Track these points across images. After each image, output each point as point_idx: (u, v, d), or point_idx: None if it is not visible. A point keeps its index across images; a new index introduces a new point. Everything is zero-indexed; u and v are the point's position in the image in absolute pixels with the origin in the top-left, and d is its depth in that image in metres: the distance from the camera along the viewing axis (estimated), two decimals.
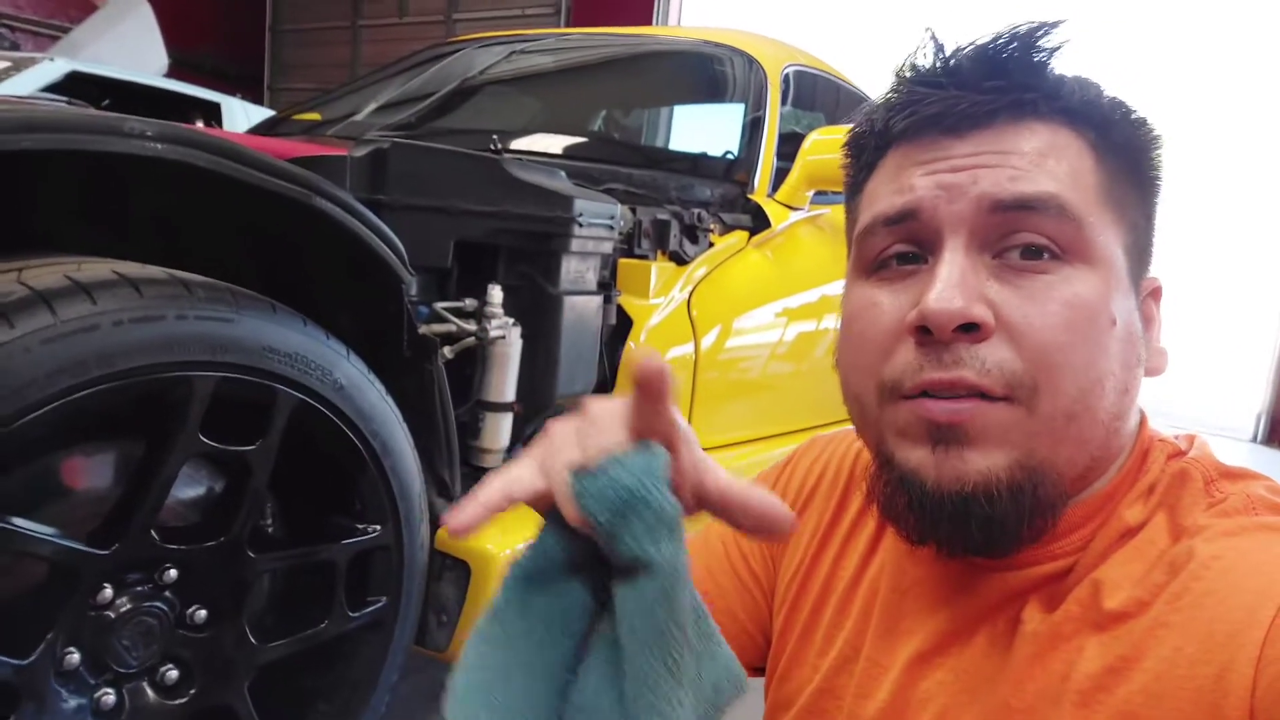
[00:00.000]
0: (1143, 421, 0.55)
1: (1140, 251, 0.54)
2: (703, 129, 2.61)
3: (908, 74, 0.54)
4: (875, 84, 2.94)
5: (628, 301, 1.68)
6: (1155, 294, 0.56)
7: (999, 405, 0.48)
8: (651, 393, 0.42)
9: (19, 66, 3.46)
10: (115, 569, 0.90)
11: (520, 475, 0.45)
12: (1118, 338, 0.50)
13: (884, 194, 0.54)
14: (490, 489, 0.44)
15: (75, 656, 0.88)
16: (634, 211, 1.72)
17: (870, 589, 0.61)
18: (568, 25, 6.48)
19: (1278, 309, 4.75)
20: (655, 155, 2.49)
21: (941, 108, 0.51)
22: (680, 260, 1.80)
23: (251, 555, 0.99)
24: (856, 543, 0.64)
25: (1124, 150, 0.53)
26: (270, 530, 1.08)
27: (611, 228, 1.54)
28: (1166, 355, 0.56)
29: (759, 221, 2.02)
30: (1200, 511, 0.50)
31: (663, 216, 1.78)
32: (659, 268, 1.74)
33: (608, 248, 1.56)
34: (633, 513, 0.40)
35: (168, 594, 0.95)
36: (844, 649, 0.60)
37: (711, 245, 1.89)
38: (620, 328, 1.68)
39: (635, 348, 1.67)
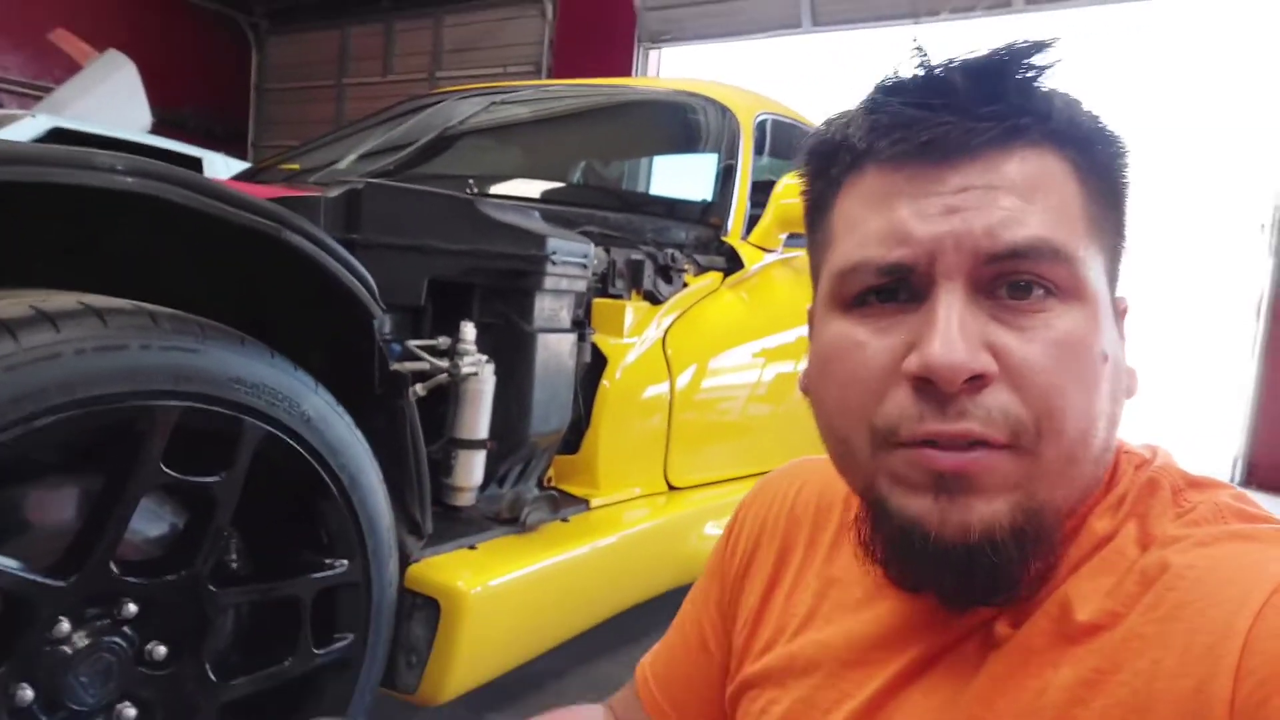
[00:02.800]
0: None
1: (1114, 275, 0.54)
2: (678, 175, 2.66)
3: (890, 87, 0.51)
4: None
5: (602, 340, 1.69)
6: (1122, 313, 0.55)
7: (1003, 453, 0.47)
8: None
9: (1, 122, 3.48)
10: (73, 602, 0.89)
11: None
12: (1108, 373, 0.49)
13: (869, 227, 0.51)
14: None
15: (29, 693, 0.86)
16: (608, 251, 1.74)
17: (829, 621, 0.60)
18: None
19: (1252, 354, 4.81)
20: (631, 199, 2.53)
21: (933, 135, 0.48)
22: (655, 300, 1.82)
23: (213, 590, 0.98)
24: (807, 579, 0.64)
25: (1103, 170, 0.52)
26: (234, 565, 1.06)
27: (585, 266, 1.55)
28: (1137, 375, 0.55)
29: (733, 263, 2.05)
30: (1170, 521, 0.50)
31: (637, 257, 1.80)
32: (633, 307, 1.76)
33: (581, 286, 1.57)
34: None
35: (126, 629, 0.93)
36: (813, 683, 0.59)
37: (686, 285, 1.91)
38: (595, 366, 1.69)
39: (608, 385, 1.68)
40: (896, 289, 0.50)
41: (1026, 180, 0.49)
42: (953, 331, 0.47)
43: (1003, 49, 0.49)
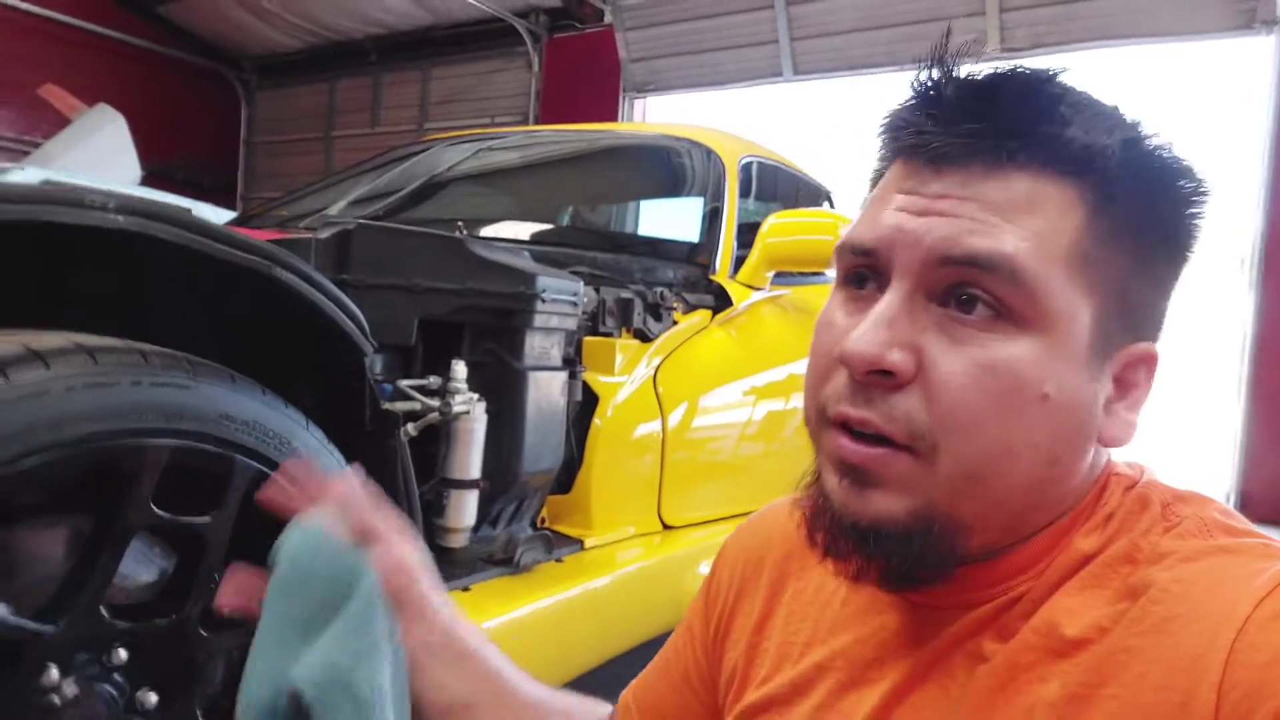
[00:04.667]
0: (1107, 460, 0.55)
1: (1126, 317, 0.51)
2: (666, 217, 2.68)
3: (909, 92, 0.53)
4: (834, 178, 3.04)
5: (593, 378, 1.69)
6: (1148, 361, 0.53)
7: (902, 455, 0.49)
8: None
9: None
10: (62, 648, 0.87)
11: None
12: (1048, 410, 0.48)
13: (867, 214, 0.54)
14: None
15: None
16: (598, 290, 1.75)
17: (826, 644, 0.60)
18: None
19: (1238, 389, 4.85)
20: (620, 240, 2.55)
21: (918, 140, 0.51)
22: (645, 338, 1.83)
23: (205, 634, 0.96)
24: (803, 605, 0.64)
25: (1132, 203, 0.49)
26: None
27: (575, 304, 1.56)
28: (1134, 427, 0.53)
29: (721, 301, 2.06)
30: (1157, 535, 0.50)
31: (626, 295, 1.81)
32: (623, 345, 1.76)
33: (572, 324, 1.58)
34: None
35: (117, 676, 0.91)
36: (815, 704, 0.59)
37: (676, 323, 1.92)
38: (587, 405, 1.69)
39: (600, 424, 1.67)
40: (872, 275, 0.53)
41: (1009, 202, 0.48)
42: (875, 324, 0.49)
43: (1003, 72, 0.50)
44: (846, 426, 0.51)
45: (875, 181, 0.57)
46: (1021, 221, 0.48)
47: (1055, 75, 0.50)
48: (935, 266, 0.49)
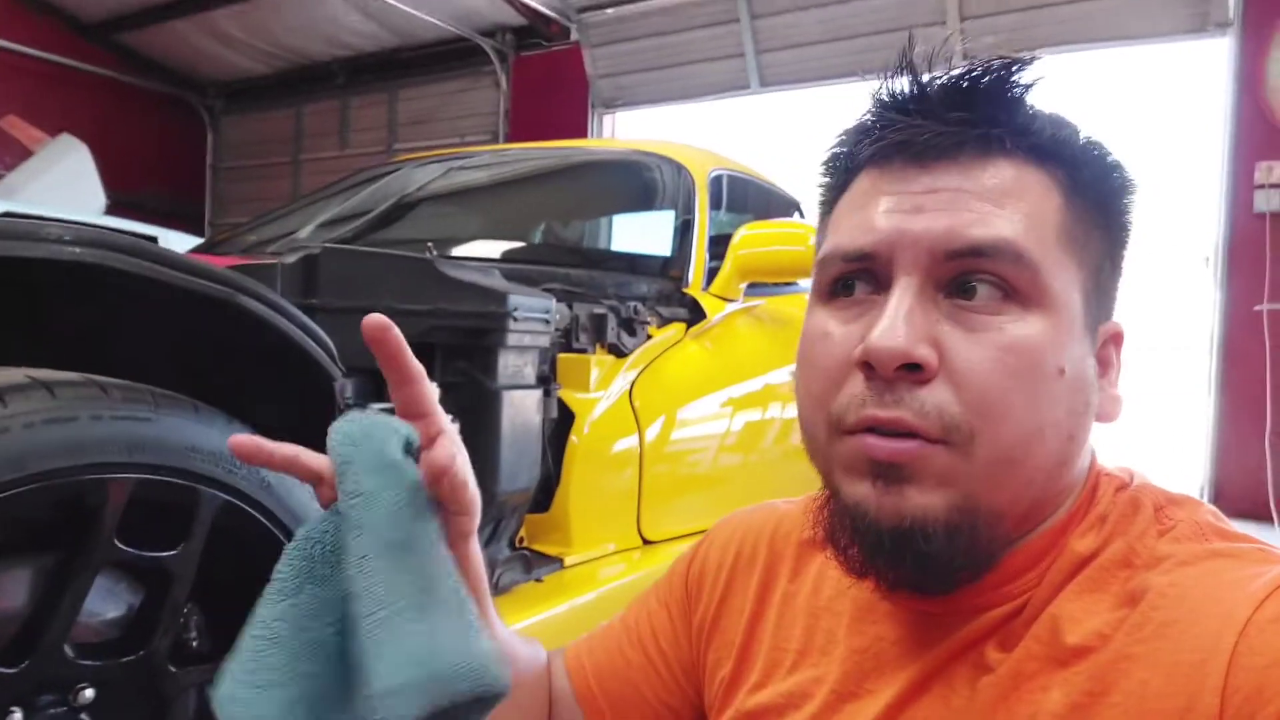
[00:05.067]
0: (1093, 458, 0.56)
1: (1101, 295, 0.54)
2: (637, 231, 2.68)
3: (884, 98, 0.54)
4: (803, 188, 3.06)
5: (568, 395, 1.68)
6: (1116, 339, 0.56)
7: (938, 448, 0.48)
8: (384, 348, 0.51)
9: None
10: (25, 690, 0.84)
11: (312, 453, 0.53)
12: (1065, 386, 0.50)
13: (847, 224, 0.54)
14: (281, 445, 0.52)
15: None
16: (570, 306, 1.74)
17: (823, 654, 0.60)
18: None
19: (1208, 383, 4.91)
20: (592, 256, 2.55)
21: (907, 136, 0.51)
22: (619, 353, 1.82)
23: (173, 670, 0.94)
24: (794, 612, 0.64)
25: (1093, 190, 0.53)
26: (194, 642, 1.02)
27: (548, 322, 1.55)
28: (1121, 402, 0.56)
29: (695, 314, 2.06)
30: (1153, 539, 0.51)
31: (600, 310, 1.80)
32: (598, 361, 1.76)
33: (545, 341, 1.57)
34: (364, 446, 0.49)
35: (84, 716, 0.89)
36: (811, 716, 0.59)
37: (650, 338, 1.91)
38: (562, 422, 1.68)
39: (576, 441, 1.66)
40: (865, 280, 0.53)
41: (999, 188, 0.50)
42: (897, 319, 0.49)
43: (977, 65, 0.52)
44: (871, 430, 0.50)
45: (833, 199, 0.58)
46: (1013, 206, 0.50)
47: (1024, 68, 0.52)
48: (942, 260, 0.50)
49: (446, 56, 7.12)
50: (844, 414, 0.51)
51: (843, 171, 0.57)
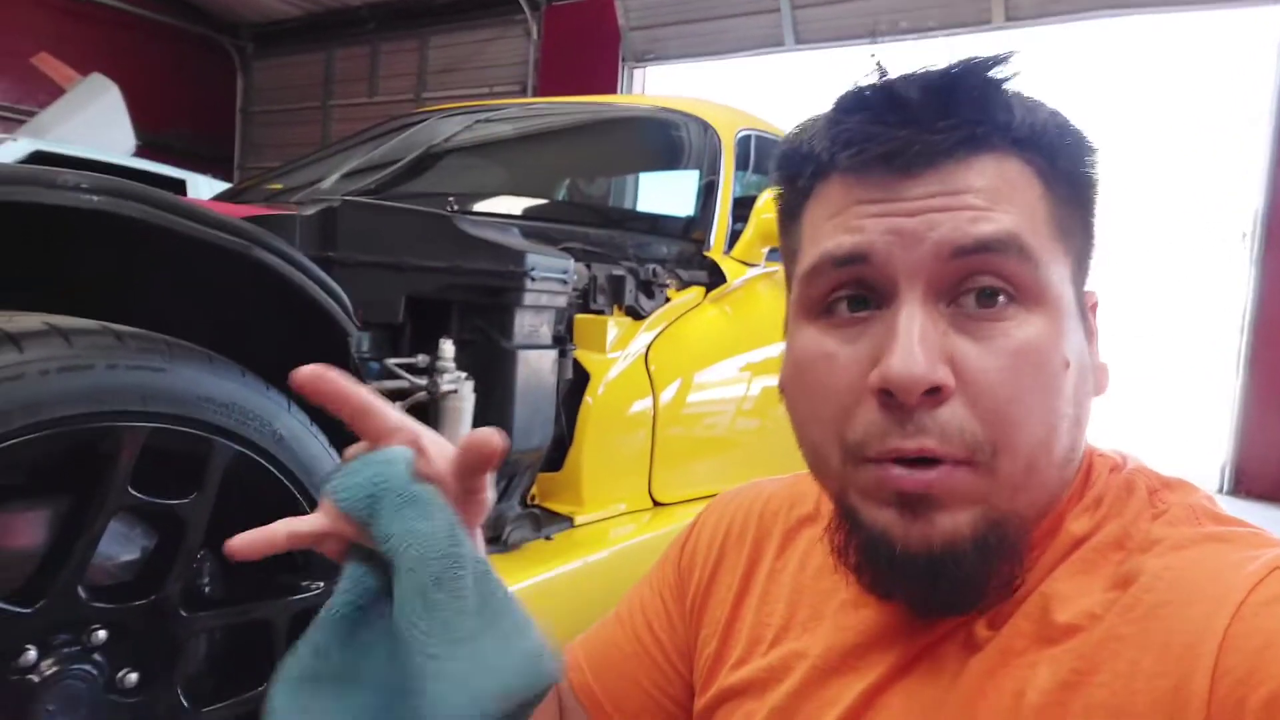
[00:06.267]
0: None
1: (1082, 273, 0.54)
2: (660, 191, 2.66)
3: (849, 104, 0.52)
4: None
5: (584, 356, 1.68)
6: (1094, 307, 0.56)
7: (962, 469, 0.48)
8: (324, 395, 0.49)
9: None
10: (40, 629, 0.87)
11: (304, 518, 0.50)
12: (1071, 377, 0.50)
13: (828, 230, 0.52)
14: (274, 526, 0.49)
15: None
16: (589, 267, 1.74)
17: (805, 630, 0.60)
18: None
19: (1237, 363, 4.84)
20: (613, 215, 2.53)
21: (892, 148, 0.49)
22: (637, 315, 1.81)
23: (185, 614, 0.96)
24: (779, 589, 0.64)
25: (1069, 174, 0.52)
26: (206, 588, 1.04)
27: (565, 282, 1.55)
28: (1107, 370, 0.55)
29: (715, 277, 2.04)
30: (1146, 522, 0.50)
31: (618, 272, 1.80)
32: (615, 322, 1.75)
33: (561, 302, 1.57)
34: (382, 497, 0.48)
35: (96, 656, 0.91)
36: (792, 692, 0.58)
37: (668, 300, 1.91)
38: (578, 382, 1.68)
39: (591, 401, 1.67)
40: (864, 297, 0.51)
41: (990, 185, 0.49)
42: (913, 343, 0.47)
43: (956, 64, 0.50)
44: (894, 461, 0.48)
45: (798, 205, 0.55)
46: (1006, 202, 0.49)
47: (1000, 61, 0.50)
48: (947, 260, 0.48)
49: (478, 4, 7.05)
50: (863, 443, 0.49)
51: (809, 175, 0.54)
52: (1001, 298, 0.49)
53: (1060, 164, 0.52)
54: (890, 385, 0.47)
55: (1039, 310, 0.49)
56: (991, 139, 0.50)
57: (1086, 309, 0.54)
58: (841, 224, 0.51)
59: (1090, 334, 0.55)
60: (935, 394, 0.47)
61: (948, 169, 0.49)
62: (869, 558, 0.51)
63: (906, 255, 0.48)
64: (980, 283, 0.48)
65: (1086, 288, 0.55)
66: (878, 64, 0.51)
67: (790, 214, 0.56)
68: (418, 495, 0.48)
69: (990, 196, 0.49)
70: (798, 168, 0.54)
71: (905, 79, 0.50)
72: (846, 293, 0.51)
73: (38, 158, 3.51)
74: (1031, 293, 0.49)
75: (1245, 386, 4.82)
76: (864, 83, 0.51)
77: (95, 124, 4.98)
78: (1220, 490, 4.79)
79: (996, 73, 0.50)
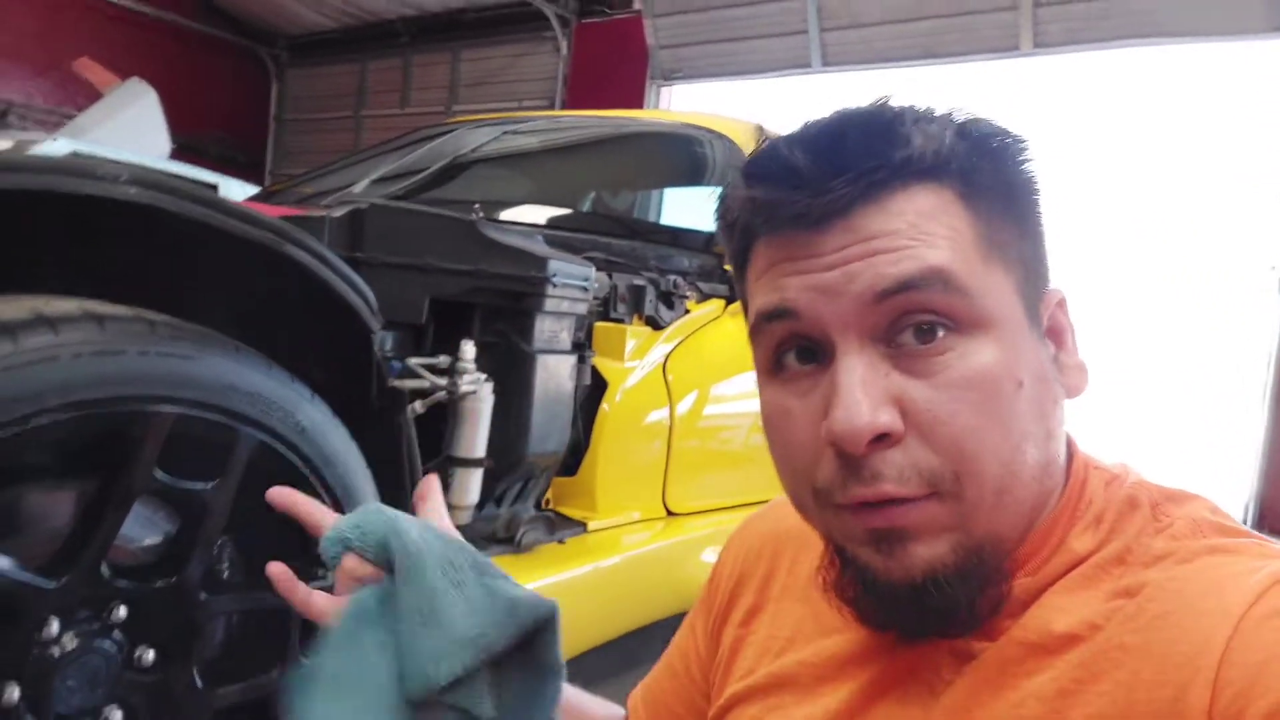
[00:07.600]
0: (1071, 446, 0.55)
1: (1035, 278, 0.53)
2: (683, 205, 2.68)
3: (754, 172, 0.52)
4: None
5: (603, 363, 1.70)
6: (1060, 304, 0.55)
7: (928, 502, 0.48)
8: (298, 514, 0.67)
9: (20, 146, 3.54)
10: (63, 603, 0.89)
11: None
12: (1028, 395, 0.49)
13: (759, 290, 0.53)
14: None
15: (15, 693, 0.86)
16: (610, 276, 1.76)
17: (809, 641, 0.61)
18: None
19: (1262, 396, 4.78)
20: (636, 227, 2.55)
21: (796, 210, 0.49)
22: (656, 325, 1.83)
23: (204, 596, 0.98)
24: (791, 602, 0.65)
25: (993, 189, 0.51)
26: (226, 572, 1.07)
27: (586, 289, 1.57)
28: (1086, 369, 0.55)
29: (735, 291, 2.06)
30: (1149, 537, 0.50)
31: (639, 282, 1.82)
32: (634, 332, 1.77)
33: (582, 309, 1.59)
34: (394, 530, 0.60)
35: (116, 633, 0.94)
36: (790, 697, 0.60)
37: (688, 312, 1.92)
38: (596, 389, 1.70)
39: (608, 409, 1.69)
40: (809, 348, 0.51)
41: (906, 224, 0.49)
42: (853, 395, 0.47)
43: (834, 119, 0.51)
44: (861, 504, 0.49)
45: (740, 266, 0.56)
46: (925, 235, 0.49)
47: (884, 102, 0.51)
48: (873, 305, 0.48)
49: (509, 20, 7.12)
50: (829, 492, 0.50)
51: (738, 241, 0.55)
52: (940, 330, 0.48)
53: (980, 180, 0.51)
54: (835, 440, 0.48)
55: (981, 335, 0.49)
56: (894, 179, 0.49)
57: (1046, 313, 0.54)
58: (768, 284, 0.52)
59: (1060, 333, 0.54)
60: (884, 439, 0.47)
61: (858, 217, 0.49)
62: (859, 592, 0.52)
63: (831, 308, 0.49)
64: (914, 319, 0.48)
65: (1050, 287, 0.54)
66: (765, 139, 0.53)
67: (738, 276, 0.57)
68: (416, 522, 0.63)
69: (907, 234, 0.48)
70: (728, 235, 0.56)
71: (791, 144, 0.50)
72: (788, 347, 0.52)
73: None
74: (969, 319, 0.48)
75: (1273, 419, 4.75)
76: (760, 151, 0.52)
77: (132, 127, 5.05)
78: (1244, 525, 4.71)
79: (882, 114, 0.50)
